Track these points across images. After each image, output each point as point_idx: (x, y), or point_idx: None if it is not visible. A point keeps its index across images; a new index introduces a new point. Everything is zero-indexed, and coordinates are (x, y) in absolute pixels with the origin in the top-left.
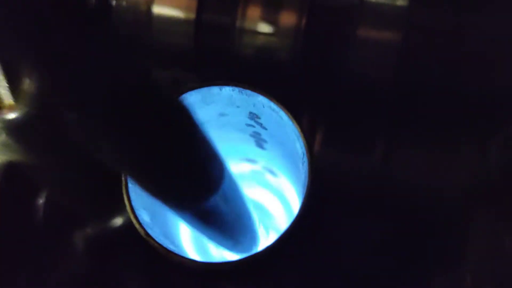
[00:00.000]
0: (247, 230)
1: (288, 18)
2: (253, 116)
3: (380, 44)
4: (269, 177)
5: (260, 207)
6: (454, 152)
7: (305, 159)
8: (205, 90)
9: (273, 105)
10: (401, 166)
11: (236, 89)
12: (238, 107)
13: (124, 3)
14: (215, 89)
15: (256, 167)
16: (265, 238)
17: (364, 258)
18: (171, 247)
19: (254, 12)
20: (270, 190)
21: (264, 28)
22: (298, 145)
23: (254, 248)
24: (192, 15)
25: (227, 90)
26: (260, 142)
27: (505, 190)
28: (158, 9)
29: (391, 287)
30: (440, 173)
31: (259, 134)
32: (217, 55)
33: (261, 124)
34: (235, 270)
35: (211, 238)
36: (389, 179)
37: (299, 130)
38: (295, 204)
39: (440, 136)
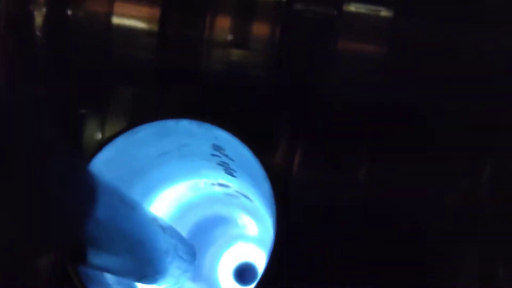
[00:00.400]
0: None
1: (261, 30)
2: (217, 147)
3: (363, 58)
4: (244, 200)
5: (236, 226)
6: (442, 172)
7: (273, 202)
8: (159, 124)
9: (235, 140)
10: (385, 186)
11: (194, 122)
12: (199, 139)
13: (81, 13)
14: (170, 123)
15: (230, 190)
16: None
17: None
18: None
19: (223, 23)
20: (246, 213)
21: (235, 41)
22: (266, 186)
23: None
24: (155, 27)
25: (184, 124)
26: (229, 171)
27: (497, 214)
28: (118, 20)
29: None
30: (427, 194)
31: (226, 163)
32: (182, 71)
33: (227, 156)
34: None
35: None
36: (373, 200)
37: (264, 171)
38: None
39: (427, 155)
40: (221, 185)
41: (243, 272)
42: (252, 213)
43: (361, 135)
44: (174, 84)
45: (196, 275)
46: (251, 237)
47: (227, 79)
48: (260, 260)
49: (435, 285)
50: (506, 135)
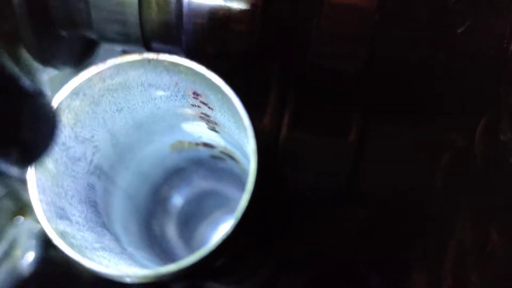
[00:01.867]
0: None
1: None
2: (196, 94)
3: (353, 14)
4: (230, 163)
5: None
6: (435, 135)
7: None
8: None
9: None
10: (377, 150)
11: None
12: (176, 84)
13: None
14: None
15: (215, 151)
16: None
17: (340, 252)
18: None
19: None
20: (235, 182)
21: None
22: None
23: None
24: None
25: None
26: (211, 125)
27: (489, 178)
28: None
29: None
30: (420, 158)
31: (207, 116)
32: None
33: (206, 104)
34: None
35: None
36: (364, 165)
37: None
38: None
39: (420, 118)
40: (205, 145)
41: None
42: (239, 178)
43: (352, 95)
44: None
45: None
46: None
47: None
48: None
49: (429, 247)
50: (497, 93)
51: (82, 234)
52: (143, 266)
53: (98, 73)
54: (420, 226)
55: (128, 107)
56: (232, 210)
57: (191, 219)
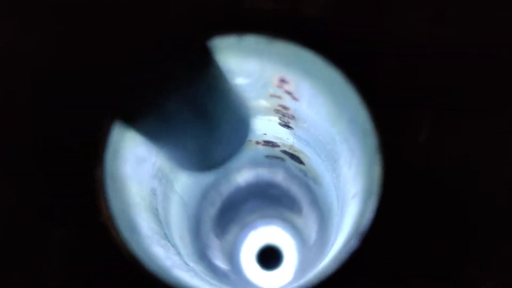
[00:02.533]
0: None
1: None
2: (283, 82)
3: None
4: (290, 164)
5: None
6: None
7: (370, 140)
8: (217, 41)
9: (319, 61)
10: (450, 146)
11: (263, 38)
12: (263, 68)
13: None
14: (231, 40)
15: (275, 151)
16: None
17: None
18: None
19: None
20: (291, 183)
21: None
22: (355, 119)
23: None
24: None
25: (250, 41)
26: (285, 120)
27: None
28: None
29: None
30: (498, 154)
31: (286, 108)
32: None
33: (291, 94)
34: None
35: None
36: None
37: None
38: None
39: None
40: (267, 143)
41: (268, 256)
42: (298, 180)
43: (424, 86)
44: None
45: (219, 252)
46: (280, 217)
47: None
48: (286, 245)
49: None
50: None
51: (153, 248)
52: (210, 284)
53: None
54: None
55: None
56: (274, 212)
57: (228, 223)
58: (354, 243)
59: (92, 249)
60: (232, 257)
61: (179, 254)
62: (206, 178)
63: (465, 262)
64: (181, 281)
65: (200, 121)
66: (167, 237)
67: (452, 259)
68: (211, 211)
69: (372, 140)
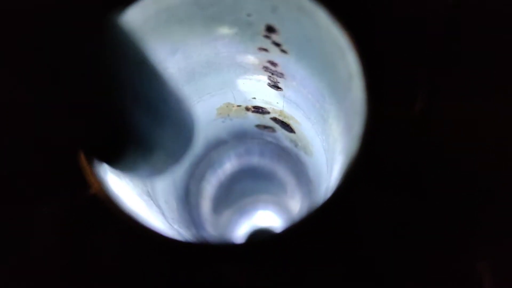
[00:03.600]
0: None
1: None
2: (271, 30)
3: None
4: (281, 134)
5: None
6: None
7: (356, 83)
8: None
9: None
10: (444, 119)
11: None
12: (248, 14)
13: None
14: None
15: (265, 119)
16: None
17: (402, 226)
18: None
19: None
20: (281, 163)
21: None
22: (342, 64)
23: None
24: None
25: None
26: (274, 79)
27: None
28: None
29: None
30: (489, 129)
31: (275, 64)
32: None
33: (279, 46)
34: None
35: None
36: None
37: (348, 38)
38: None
39: (492, 85)
40: (256, 109)
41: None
42: (287, 154)
43: (420, 59)
44: None
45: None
46: (272, 200)
47: None
48: (276, 226)
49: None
50: None
51: (133, 197)
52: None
53: None
54: (485, 196)
55: (183, 49)
56: (267, 192)
57: (223, 202)
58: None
59: (84, 221)
60: (224, 235)
61: (162, 214)
62: (196, 149)
63: (459, 237)
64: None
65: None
66: (149, 194)
67: (445, 233)
68: (203, 185)
69: (357, 85)
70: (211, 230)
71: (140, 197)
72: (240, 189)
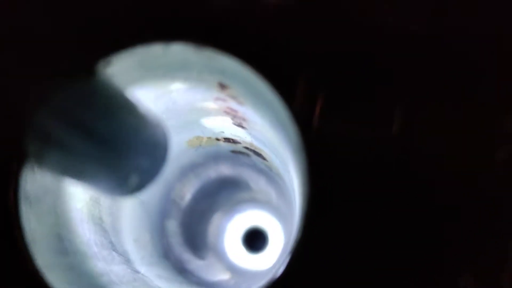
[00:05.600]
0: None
1: None
2: (224, 87)
3: None
4: (255, 159)
5: (245, 189)
6: (492, 120)
7: (300, 151)
8: (141, 51)
9: (249, 74)
10: (423, 136)
11: (190, 47)
12: (198, 73)
13: None
14: (157, 49)
15: (238, 147)
16: None
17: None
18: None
19: None
20: (258, 173)
21: None
22: (291, 132)
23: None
24: None
25: (177, 50)
26: (238, 120)
27: None
28: None
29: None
30: (473, 145)
31: (235, 111)
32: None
33: (235, 98)
34: None
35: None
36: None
37: (289, 114)
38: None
39: (473, 100)
40: (227, 140)
41: (253, 238)
42: (265, 174)
43: (395, 76)
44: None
45: (200, 245)
46: (261, 201)
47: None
48: (271, 226)
49: (476, 246)
50: None
51: (87, 265)
52: None
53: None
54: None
55: (139, 102)
56: (248, 199)
57: (202, 215)
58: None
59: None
60: (214, 245)
61: (127, 261)
62: (168, 175)
63: (441, 254)
64: None
65: (94, 144)
66: (113, 245)
67: (426, 251)
68: (179, 206)
69: (301, 159)
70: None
71: (96, 256)
72: (222, 197)
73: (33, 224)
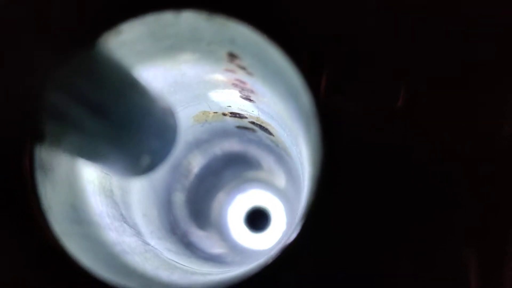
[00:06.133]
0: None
1: None
2: (233, 57)
3: None
4: (260, 134)
5: (250, 167)
6: (491, 96)
7: (314, 121)
8: (152, 20)
9: (261, 41)
10: (426, 112)
11: (202, 15)
12: (208, 43)
13: None
14: (167, 17)
15: (244, 122)
16: None
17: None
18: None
19: None
20: (264, 151)
21: None
22: (304, 100)
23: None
24: None
25: (188, 17)
26: (246, 93)
27: None
28: None
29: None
30: (474, 120)
31: (243, 82)
32: None
33: (245, 69)
34: None
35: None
36: (413, 129)
37: (302, 76)
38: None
39: (474, 78)
40: (234, 115)
41: (255, 218)
42: (271, 150)
43: (398, 54)
44: None
45: (204, 221)
46: (266, 181)
47: None
48: (274, 206)
49: (476, 218)
50: None
51: (101, 235)
52: (169, 263)
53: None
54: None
55: (147, 75)
56: (253, 178)
57: (209, 190)
58: (293, 233)
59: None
60: (217, 222)
61: (138, 234)
62: (177, 152)
63: (444, 228)
64: (129, 268)
65: (106, 123)
66: (123, 218)
67: (429, 223)
68: (185, 181)
69: (314, 125)
70: (200, 224)
71: (108, 227)
72: (227, 175)
73: (49, 193)
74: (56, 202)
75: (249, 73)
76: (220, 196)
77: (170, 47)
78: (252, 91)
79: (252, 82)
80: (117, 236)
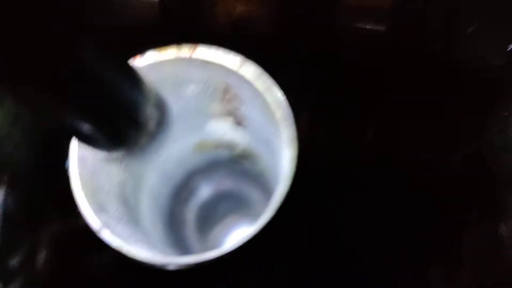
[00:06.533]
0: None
1: None
2: (228, 88)
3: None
4: (248, 166)
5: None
6: (455, 123)
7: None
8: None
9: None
10: (395, 139)
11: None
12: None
13: None
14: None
15: (234, 153)
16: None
17: (363, 238)
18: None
19: None
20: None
21: None
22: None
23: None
24: None
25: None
26: (238, 119)
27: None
28: None
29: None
30: (440, 144)
31: (237, 109)
32: (185, 25)
33: (237, 96)
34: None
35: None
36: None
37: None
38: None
39: (439, 107)
40: (227, 146)
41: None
42: (256, 182)
43: (369, 86)
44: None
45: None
46: (254, 216)
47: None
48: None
49: (447, 236)
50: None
51: (120, 226)
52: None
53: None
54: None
55: None
56: (246, 214)
57: (207, 222)
58: None
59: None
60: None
61: (148, 236)
62: (177, 179)
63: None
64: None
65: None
66: (137, 221)
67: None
68: (185, 209)
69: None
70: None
71: (124, 222)
72: (222, 209)
73: None
74: (89, 191)
75: (241, 101)
76: (214, 233)
77: (180, 82)
78: (243, 117)
79: (244, 109)
80: (131, 230)
